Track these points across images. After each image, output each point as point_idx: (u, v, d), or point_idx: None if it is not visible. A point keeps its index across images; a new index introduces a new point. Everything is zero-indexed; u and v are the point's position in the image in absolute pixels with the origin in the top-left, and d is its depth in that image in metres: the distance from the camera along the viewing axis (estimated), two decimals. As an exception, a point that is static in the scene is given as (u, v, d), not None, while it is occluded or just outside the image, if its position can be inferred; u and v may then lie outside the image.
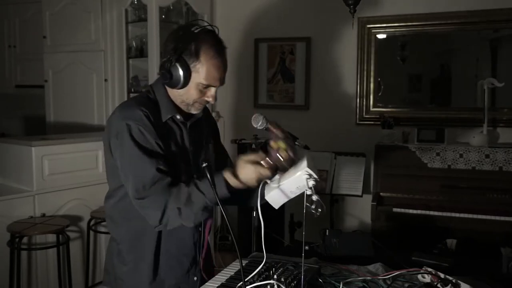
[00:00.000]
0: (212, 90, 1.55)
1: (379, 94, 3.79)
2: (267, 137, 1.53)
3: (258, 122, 1.71)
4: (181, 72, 1.49)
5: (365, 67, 3.77)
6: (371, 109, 3.79)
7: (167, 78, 1.51)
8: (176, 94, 1.56)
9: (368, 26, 3.73)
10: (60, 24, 4.16)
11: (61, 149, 3.22)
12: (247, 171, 1.42)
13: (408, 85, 3.87)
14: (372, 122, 3.76)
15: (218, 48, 1.52)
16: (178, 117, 1.58)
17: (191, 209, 1.43)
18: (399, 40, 3.75)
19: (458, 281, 1.49)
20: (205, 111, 1.71)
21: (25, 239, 2.88)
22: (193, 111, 1.59)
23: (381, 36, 3.76)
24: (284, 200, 1.48)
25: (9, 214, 2.91)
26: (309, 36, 3.96)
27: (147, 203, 1.45)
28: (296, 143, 1.76)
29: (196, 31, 1.51)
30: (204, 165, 1.39)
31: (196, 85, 1.52)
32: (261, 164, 1.41)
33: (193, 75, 1.50)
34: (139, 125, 1.47)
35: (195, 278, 1.65)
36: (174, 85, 1.52)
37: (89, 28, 4.02)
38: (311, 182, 1.37)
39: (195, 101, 1.55)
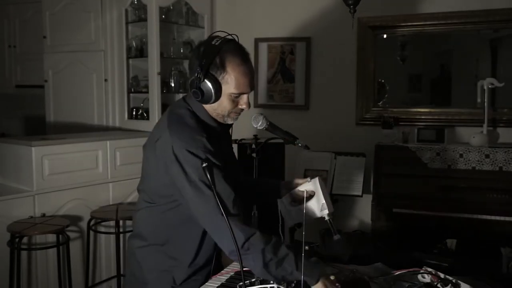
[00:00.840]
0: (245, 98, 1.57)
1: (386, 95, 3.80)
2: (267, 137, 1.53)
3: (258, 122, 1.72)
4: (211, 87, 1.50)
5: (365, 67, 3.77)
6: (371, 109, 3.79)
7: (199, 96, 1.52)
8: (210, 108, 1.58)
9: (368, 26, 3.73)
10: (60, 24, 4.16)
11: (61, 149, 3.22)
12: None
13: (408, 85, 3.87)
14: (372, 122, 3.76)
15: (242, 55, 1.55)
16: (218, 130, 1.63)
17: (276, 269, 1.43)
18: (399, 40, 3.75)
19: (458, 281, 1.49)
20: None
21: (25, 239, 2.88)
22: (230, 121, 1.62)
23: (381, 36, 3.76)
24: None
25: (9, 214, 2.91)
26: (309, 36, 3.95)
27: (236, 225, 1.42)
28: (296, 143, 1.77)
29: (217, 43, 1.52)
30: (204, 165, 1.40)
31: (228, 96, 1.54)
32: None
33: (223, 87, 1.52)
34: (205, 151, 1.47)
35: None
36: (207, 101, 1.54)
37: (89, 28, 4.02)
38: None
39: (230, 112, 1.58)
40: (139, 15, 3.90)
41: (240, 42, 1.63)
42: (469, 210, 3.06)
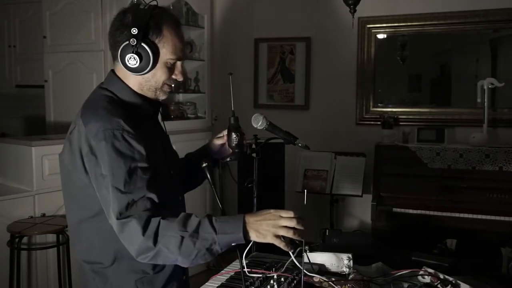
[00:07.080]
0: (179, 66, 1.43)
1: (378, 90, 3.80)
2: (267, 137, 1.52)
3: (258, 122, 1.71)
4: (149, 51, 1.33)
5: (365, 67, 3.78)
6: (371, 109, 3.80)
7: (137, 62, 1.33)
8: (141, 82, 1.40)
9: (368, 26, 3.73)
10: (60, 24, 4.15)
11: (61, 149, 3.20)
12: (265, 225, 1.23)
13: (408, 85, 3.87)
14: (372, 122, 3.76)
15: (175, 18, 1.43)
16: (149, 110, 1.45)
17: (194, 243, 1.19)
18: (399, 40, 3.75)
19: (458, 281, 1.49)
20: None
21: (25, 239, 2.88)
22: (162, 96, 1.43)
23: (381, 36, 3.77)
24: None
25: (9, 214, 2.91)
26: (309, 36, 3.96)
27: (133, 224, 1.20)
28: (296, 143, 1.77)
29: (145, 7, 1.37)
30: (204, 165, 1.38)
31: (165, 64, 1.38)
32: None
33: (161, 51, 1.36)
34: (122, 133, 1.28)
35: (184, 277, 1.54)
36: (142, 69, 1.35)
37: (89, 28, 4.01)
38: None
39: (164, 83, 1.41)
40: (139, 15, 3.89)
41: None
42: (469, 210, 3.06)
